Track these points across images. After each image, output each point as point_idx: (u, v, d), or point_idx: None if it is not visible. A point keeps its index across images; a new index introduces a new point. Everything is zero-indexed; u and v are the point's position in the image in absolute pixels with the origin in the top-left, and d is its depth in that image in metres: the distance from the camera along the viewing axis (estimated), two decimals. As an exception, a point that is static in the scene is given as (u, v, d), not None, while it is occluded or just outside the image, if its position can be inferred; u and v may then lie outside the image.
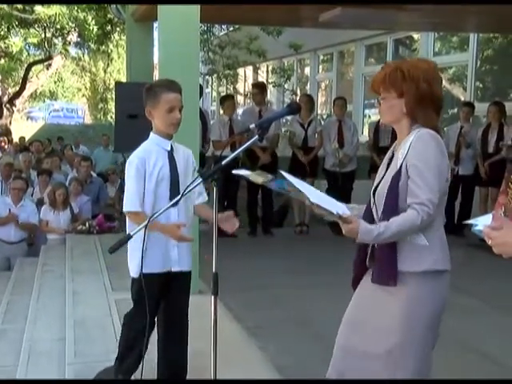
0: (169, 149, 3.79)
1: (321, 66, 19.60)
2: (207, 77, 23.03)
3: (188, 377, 3.99)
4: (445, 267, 2.86)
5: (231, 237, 8.81)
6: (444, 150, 2.87)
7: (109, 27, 18.56)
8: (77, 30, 19.50)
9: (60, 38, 21.62)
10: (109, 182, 12.04)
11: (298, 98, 17.96)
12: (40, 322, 5.68)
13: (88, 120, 40.28)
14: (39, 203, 9.83)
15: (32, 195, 10.37)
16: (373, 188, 2.98)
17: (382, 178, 2.94)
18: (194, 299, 4.08)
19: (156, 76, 9.14)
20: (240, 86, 24.13)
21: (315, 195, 2.79)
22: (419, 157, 2.76)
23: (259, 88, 9.90)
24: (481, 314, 5.89)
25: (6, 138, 18.33)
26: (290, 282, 6.69)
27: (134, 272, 3.80)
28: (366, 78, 15.66)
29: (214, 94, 28.12)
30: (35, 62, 25.63)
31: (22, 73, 26.68)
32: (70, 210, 9.53)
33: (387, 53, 15.11)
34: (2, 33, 20.35)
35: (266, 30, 16.83)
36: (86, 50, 25.73)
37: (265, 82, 17.75)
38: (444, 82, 14.12)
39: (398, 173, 2.79)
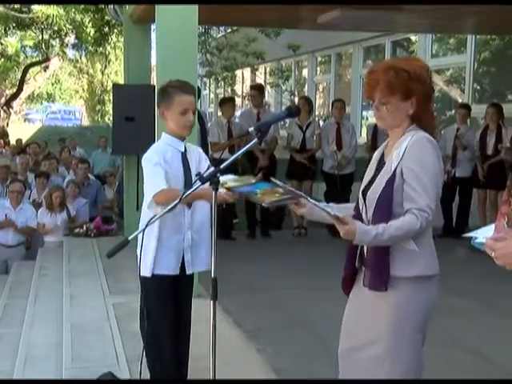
0: (182, 150, 3.77)
1: (319, 68, 19.60)
2: (205, 79, 23.01)
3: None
4: (434, 272, 2.85)
5: (230, 239, 8.89)
6: (440, 154, 2.83)
7: (106, 29, 18.52)
8: (74, 31, 19.45)
9: (57, 40, 21.58)
10: (107, 185, 12.00)
11: (296, 100, 17.98)
12: (37, 326, 5.65)
13: (85, 122, 40.24)
14: (35, 206, 9.79)
15: (29, 198, 10.33)
16: (362, 189, 2.94)
17: (372, 179, 2.90)
18: (193, 303, 4.05)
19: (154, 78, 9.11)
20: (238, 88, 24.12)
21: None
22: (417, 162, 2.72)
23: (258, 90, 9.88)
24: (479, 315, 5.88)
25: (2, 141, 18.26)
26: (289, 285, 6.67)
27: (147, 271, 3.71)
28: (364, 80, 15.62)
29: (212, 95, 28.11)
30: (32, 64, 25.60)
31: (19, 74, 26.64)
32: (67, 212, 9.50)
33: (385, 55, 15.11)
34: (-1, 34, 20.36)
35: (264, 31, 16.81)
36: (83, 52, 25.66)
37: (263, 83, 17.75)
38: (441, 83, 14.12)
39: (393, 176, 2.75)
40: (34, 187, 10.63)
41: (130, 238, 2.98)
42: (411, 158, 2.73)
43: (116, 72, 34.80)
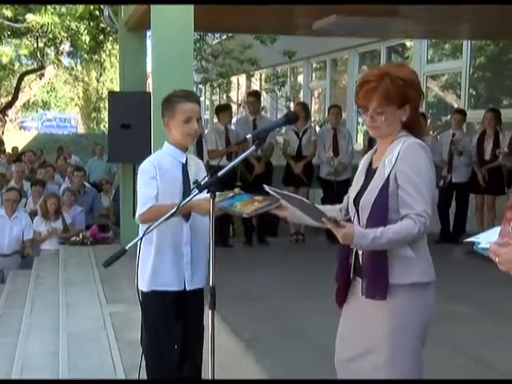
0: (183, 161, 3.69)
1: (314, 74, 19.60)
2: (200, 85, 22.99)
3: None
4: (431, 278, 2.83)
5: (227, 247, 8.85)
6: (432, 159, 2.80)
7: (101, 36, 18.51)
8: (69, 39, 19.43)
9: (52, 48, 21.56)
10: (103, 192, 11.98)
11: (292, 106, 17.96)
12: (33, 336, 5.61)
13: (81, 130, 40.22)
14: (33, 214, 9.76)
15: (25, 206, 10.30)
16: (353, 197, 2.90)
17: (362, 186, 2.86)
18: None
19: (149, 85, 9.08)
20: (233, 95, 24.10)
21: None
22: (411, 167, 2.70)
23: (256, 96, 9.85)
24: (480, 321, 5.85)
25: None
26: (287, 293, 6.63)
27: (144, 285, 3.64)
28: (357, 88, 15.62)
29: (207, 102, 28.09)
30: (28, 72, 25.59)
31: (14, 83, 26.61)
32: (62, 220, 9.46)
33: (380, 60, 15.11)
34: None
35: (260, 38, 16.80)
36: (78, 60, 25.66)
37: (258, 89, 17.73)
38: (437, 89, 14.13)
39: (387, 182, 2.72)
40: (30, 195, 10.60)
41: (127, 247, 2.95)
42: (405, 164, 2.71)
43: (111, 79, 34.78)
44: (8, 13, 16.92)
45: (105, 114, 30.50)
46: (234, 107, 21.80)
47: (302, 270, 7.51)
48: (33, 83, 27.66)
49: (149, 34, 8.55)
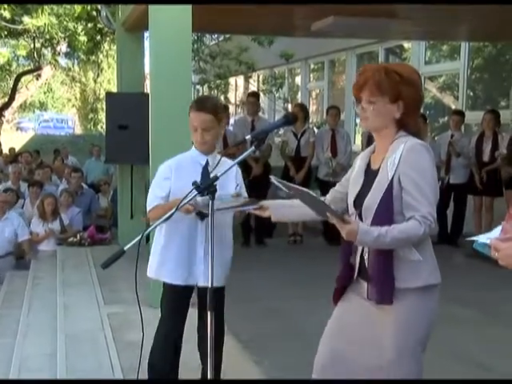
0: (203, 163, 3.74)
1: (312, 75, 19.60)
2: (198, 86, 22.99)
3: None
4: (437, 281, 2.83)
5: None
6: (434, 159, 2.79)
7: (99, 37, 18.49)
8: (66, 40, 19.42)
9: (49, 49, 21.54)
10: (101, 193, 11.96)
11: (291, 107, 17.97)
12: (31, 337, 5.59)
13: (78, 130, 40.16)
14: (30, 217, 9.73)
15: (22, 207, 10.28)
16: (353, 198, 2.88)
17: (362, 188, 2.84)
18: (190, 312, 4.01)
19: (147, 86, 9.07)
20: (231, 96, 24.10)
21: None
22: (415, 169, 2.68)
23: (255, 96, 9.84)
24: (480, 324, 5.84)
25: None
26: (285, 294, 6.62)
27: (152, 272, 3.88)
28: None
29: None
30: (25, 73, 25.53)
31: (11, 83, 26.56)
32: (60, 221, 9.45)
33: (378, 62, 15.10)
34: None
35: (257, 39, 16.80)
36: (75, 61, 25.63)
37: (256, 91, 17.72)
38: (435, 90, 14.14)
39: (390, 184, 2.71)
40: (28, 196, 10.57)
41: (125, 248, 2.94)
42: (408, 166, 2.69)
43: (109, 80, 34.74)
44: (6, 14, 16.91)
45: (102, 115, 30.47)
46: (232, 108, 21.81)
47: (300, 271, 7.50)
48: (30, 84, 27.58)
49: (146, 34, 8.53)
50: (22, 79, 26.06)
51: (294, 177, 9.27)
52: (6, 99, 26.55)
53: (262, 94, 18.77)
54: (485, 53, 13.11)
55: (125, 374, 4.52)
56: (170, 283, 3.81)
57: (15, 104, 27.24)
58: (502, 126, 9.22)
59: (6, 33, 19.31)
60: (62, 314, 6.02)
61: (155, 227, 3.17)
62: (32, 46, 21.39)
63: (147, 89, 8.55)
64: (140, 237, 3.09)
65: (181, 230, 3.70)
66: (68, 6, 16.78)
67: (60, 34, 18.39)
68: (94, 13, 16.07)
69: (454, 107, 12.82)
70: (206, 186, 2.93)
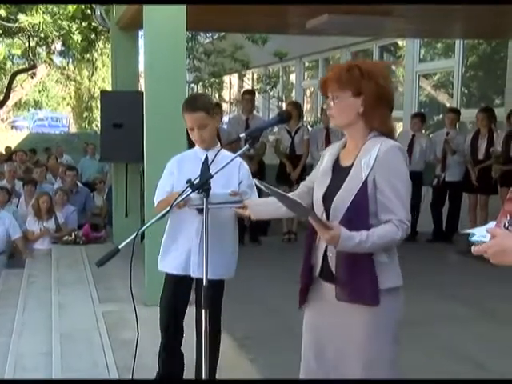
0: (203, 158, 3.85)
1: (306, 73, 19.62)
2: (192, 84, 22.99)
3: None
4: (401, 283, 2.80)
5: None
6: (407, 161, 2.76)
7: (93, 36, 18.47)
8: (61, 38, 19.39)
9: (44, 47, 21.51)
10: (96, 192, 11.94)
11: (285, 105, 17.96)
12: (26, 336, 5.58)
13: (73, 129, 40.08)
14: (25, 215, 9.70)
15: (17, 206, 10.25)
16: (321, 194, 2.83)
17: (331, 183, 2.80)
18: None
19: (141, 84, 9.07)
20: (225, 94, 24.09)
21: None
22: (393, 172, 2.66)
23: (251, 94, 9.84)
24: (473, 321, 5.84)
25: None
26: (280, 292, 6.61)
27: (159, 264, 4.04)
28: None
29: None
30: (19, 71, 25.50)
31: (5, 82, 26.52)
32: (55, 219, 9.43)
33: (373, 59, 15.12)
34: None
35: (251, 38, 16.80)
36: (70, 59, 25.60)
37: (251, 88, 17.73)
38: (429, 88, 14.16)
39: (365, 186, 2.66)
40: (22, 195, 10.55)
41: (120, 246, 2.94)
42: (385, 168, 2.65)
43: (103, 79, 34.68)
44: (2, 12, 16.88)
45: (97, 114, 30.45)
46: (226, 106, 21.80)
47: (294, 269, 7.43)
48: (24, 82, 27.57)
49: (141, 33, 8.52)
50: (17, 78, 26.04)
51: (290, 173, 9.28)
52: (1, 98, 26.51)
53: (256, 93, 18.81)
54: (479, 50, 13.14)
55: (120, 373, 4.52)
56: (169, 273, 3.97)
57: (10, 103, 27.23)
58: (497, 124, 9.22)
59: (0, 31, 19.28)
60: (56, 312, 6.01)
61: (149, 226, 3.17)
62: (27, 44, 21.36)
63: (142, 87, 8.54)
64: (135, 235, 3.09)
65: (178, 222, 3.85)
66: (62, 5, 16.75)
67: (55, 32, 18.35)
68: (89, 11, 16.03)
69: (448, 105, 12.85)
70: (200, 184, 2.94)
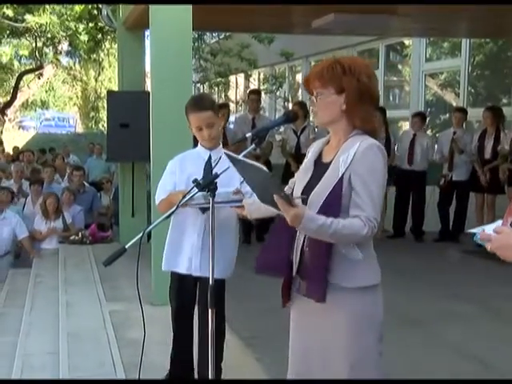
0: (206, 158, 3.88)
1: (312, 73, 19.59)
2: (198, 84, 23.01)
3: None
4: (379, 280, 2.77)
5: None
6: (387, 163, 2.71)
7: (100, 36, 18.51)
8: (68, 39, 19.44)
9: (51, 48, 21.57)
10: (103, 191, 11.96)
11: (290, 106, 17.96)
12: (33, 335, 5.59)
13: (79, 129, 40.14)
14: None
15: (24, 206, 10.28)
16: (301, 189, 2.81)
17: (311, 179, 2.80)
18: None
19: (148, 85, 9.08)
20: (231, 94, 24.09)
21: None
22: (368, 171, 2.63)
23: (257, 94, 9.85)
24: (478, 320, 5.84)
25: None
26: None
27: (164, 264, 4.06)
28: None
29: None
30: (26, 72, 25.58)
31: (13, 82, 26.60)
32: (63, 219, 9.46)
33: (379, 59, 15.11)
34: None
35: (258, 37, 16.80)
36: (77, 59, 25.66)
37: (258, 88, 17.74)
38: (436, 87, 14.13)
39: (340, 182, 2.64)
40: (29, 195, 10.57)
41: (127, 246, 2.95)
42: (361, 166, 2.63)
43: (110, 79, 34.71)
44: (9, 12, 16.93)
45: (103, 114, 30.45)
46: (233, 106, 21.81)
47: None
48: (31, 83, 27.64)
49: (147, 33, 8.54)
50: (24, 78, 26.13)
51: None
52: (8, 98, 26.62)
53: (262, 93, 18.82)
54: (486, 49, 13.10)
55: (126, 372, 4.53)
56: (174, 272, 4.01)
57: (17, 103, 27.32)
58: (505, 123, 9.19)
59: (8, 32, 19.35)
60: (64, 311, 6.03)
61: (156, 225, 3.18)
62: (34, 45, 21.43)
63: (148, 87, 8.55)
64: (141, 234, 3.10)
65: (181, 221, 3.87)
66: (69, 6, 16.80)
67: (61, 32, 18.41)
68: (95, 11, 16.08)
69: (455, 104, 12.82)
70: (206, 183, 2.94)
